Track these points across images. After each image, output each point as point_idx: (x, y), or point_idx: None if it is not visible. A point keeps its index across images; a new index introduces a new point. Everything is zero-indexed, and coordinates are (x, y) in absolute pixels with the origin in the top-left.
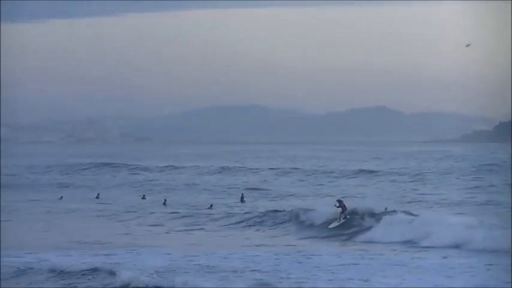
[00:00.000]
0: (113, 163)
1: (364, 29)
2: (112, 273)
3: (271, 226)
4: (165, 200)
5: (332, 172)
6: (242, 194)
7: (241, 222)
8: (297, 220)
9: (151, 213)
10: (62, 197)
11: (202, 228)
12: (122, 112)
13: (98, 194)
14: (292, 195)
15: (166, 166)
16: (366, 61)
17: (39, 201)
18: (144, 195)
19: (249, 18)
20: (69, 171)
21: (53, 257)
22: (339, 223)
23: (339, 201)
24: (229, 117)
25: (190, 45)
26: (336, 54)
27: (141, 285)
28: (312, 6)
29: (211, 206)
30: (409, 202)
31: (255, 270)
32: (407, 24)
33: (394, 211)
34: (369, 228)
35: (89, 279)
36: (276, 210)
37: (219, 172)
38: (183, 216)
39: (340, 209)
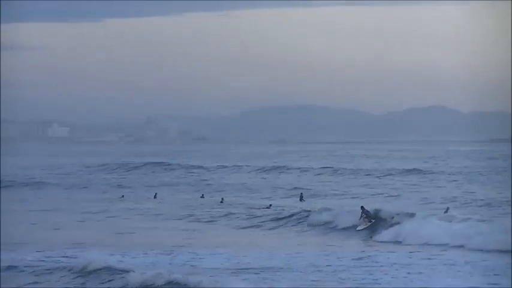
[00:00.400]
0: (170, 163)
1: (424, 28)
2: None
3: (327, 225)
4: (222, 198)
5: (386, 171)
6: (301, 194)
7: (298, 221)
8: (325, 220)
9: (209, 212)
10: (123, 196)
11: (261, 228)
12: (180, 112)
13: (156, 193)
14: (344, 194)
15: (223, 166)
16: (423, 60)
17: (100, 200)
18: (202, 195)
19: (308, 18)
20: (126, 170)
21: (105, 256)
22: (365, 226)
23: (362, 208)
24: (288, 117)
25: (248, 45)
26: (394, 54)
27: (154, 285)
28: (371, 6)
29: (270, 205)
30: (455, 201)
31: (317, 270)
32: (468, 25)
33: (414, 213)
34: (394, 229)
35: (122, 277)
36: (310, 211)
37: (275, 171)
38: (241, 215)
39: (364, 215)
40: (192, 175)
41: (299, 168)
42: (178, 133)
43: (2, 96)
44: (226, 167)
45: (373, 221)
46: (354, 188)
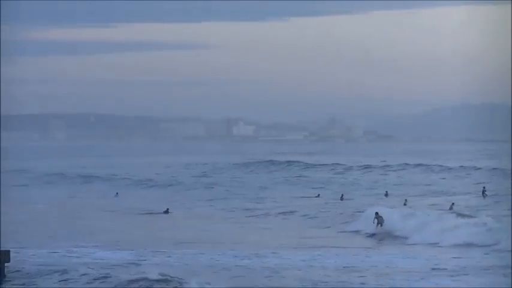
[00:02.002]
0: (354, 163)
1: None
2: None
3: None
4: (406, 200)
5: None
6: (484, 188)
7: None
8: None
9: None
10: (319, 194)
11: None
12: (366, 110)
13: (342, 194)
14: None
15: (407, 164)
16: None
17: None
18: (386, 192)
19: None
20: (307, 167)
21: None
22: (376, 230)
23: (376, 213)
24: (477, 115)
25: (434, 42)
26: None
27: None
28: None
29: (453, 204)
30: None
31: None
32: None
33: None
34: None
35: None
36: None
37: (457, 169)
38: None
39: (376, 220)
40: (371, 173)
41: (484, 167)
42: (364, 132)
43: (186, 95)
44: (409, 165)
45: (383, 224)
46: None
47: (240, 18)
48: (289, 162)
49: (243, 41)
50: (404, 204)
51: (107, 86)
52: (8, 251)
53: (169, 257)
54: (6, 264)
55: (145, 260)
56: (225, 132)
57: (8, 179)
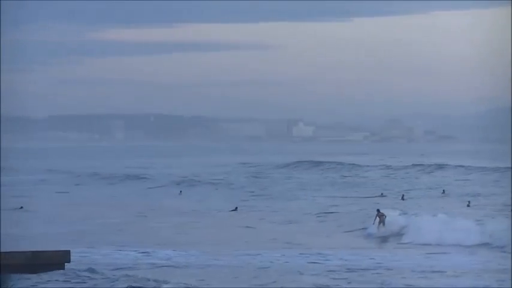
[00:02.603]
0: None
1: None
2: None
3: None
4: (469, 201)
5: None
6: None
7: None
8: None
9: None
10: (382, 193)
11: None
12: (427, 110)
13: (403, 194)
14: None
15: (465, 166)
16: None
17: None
18: (443, 191)
19: None
20: (358, 167)
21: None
22: (378, 229)
23: (377, 210)
24: None
25: (493, 45)
26: None
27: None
28: None
29: None
30: None
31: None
32: None
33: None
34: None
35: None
36: None
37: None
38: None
39: (378, 218)
40: (429, 173)
41: None
42: (424, 132)
43: (247, 95)
44: (465, 166)
45: (384, 221)
46: None
47: (300, 18)
48: (348, 162)
49: (303, 42)
50: (468, 206)
51: (167, 87)
52: (68, 251)
53: (237, 257)
54: (66, 264)
55: (202, 261)
56: (285, 133)
57: (68, 179)
